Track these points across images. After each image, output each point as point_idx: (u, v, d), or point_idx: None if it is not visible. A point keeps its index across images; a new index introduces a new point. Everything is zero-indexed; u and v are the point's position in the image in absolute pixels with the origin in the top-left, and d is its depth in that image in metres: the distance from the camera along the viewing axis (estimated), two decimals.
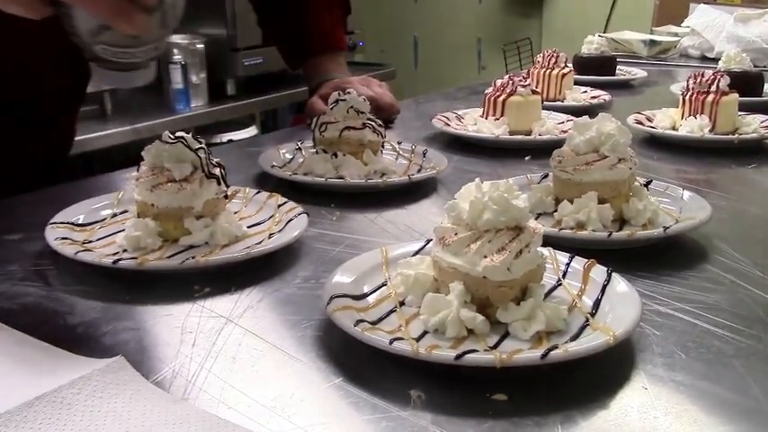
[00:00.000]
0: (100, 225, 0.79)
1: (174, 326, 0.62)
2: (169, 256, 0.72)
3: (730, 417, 0.50)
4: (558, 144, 0.87)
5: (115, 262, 0.68)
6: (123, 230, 0.75)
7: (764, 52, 2.09)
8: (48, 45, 0.90)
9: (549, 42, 3.75)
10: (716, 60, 1.65)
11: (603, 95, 1.56)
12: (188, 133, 0.77)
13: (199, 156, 0.75)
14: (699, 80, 1.26)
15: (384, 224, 0.87)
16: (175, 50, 2.51)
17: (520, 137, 1.21)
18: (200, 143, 0.77)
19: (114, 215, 0.81)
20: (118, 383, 0.51)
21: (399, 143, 1.12)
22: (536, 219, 0.83)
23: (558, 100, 1.54)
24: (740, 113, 1.27)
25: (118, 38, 0.58)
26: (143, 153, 0.76)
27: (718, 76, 1.25)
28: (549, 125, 1.24)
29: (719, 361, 0.57)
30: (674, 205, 0.86)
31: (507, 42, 4.11)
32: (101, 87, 2.05)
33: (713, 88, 1.24)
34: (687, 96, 1.27)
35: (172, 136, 0.76)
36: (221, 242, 0.75)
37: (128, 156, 0.78)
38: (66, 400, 0.48)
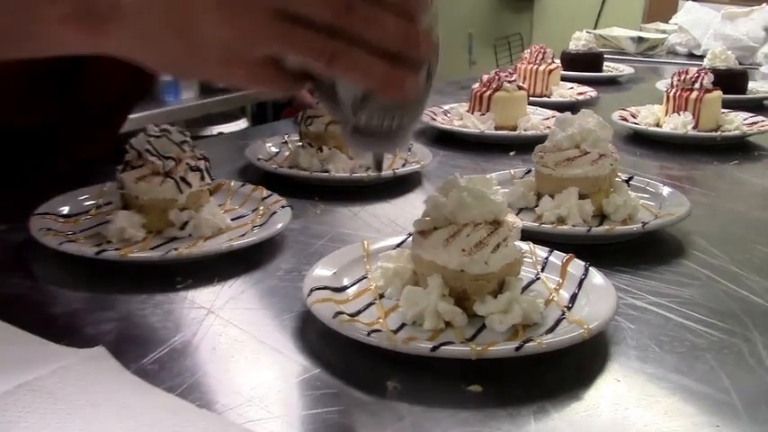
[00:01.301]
0: (84, 216, 0.80)
1: (156, 316, 0.62)
2: (152, 248, 0.72)
3: (701, 408, 0.51)
4: (542, 140, 0.88)
5: (98, 253, 0.69)
6: (107, 222, 0.75)
7: (750, 50, 2.11)
8: None
9: (540, 38, 3.76)
10: (703, 57, 1.66)
11: (590, 91, 1.57)
12: (177, 125, 0.78)
13: (183, 149, 0.76)
14: (683, 77, 1.28)
15: (368, 218, 0.88)
16: None
17: (505, 132, 1.21)
18: (185, 136, 0.77)
19: (98, 207, 0.82)
20: (98, 373, 0.51)
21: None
22: (518, 213, 0.84)
23: (545, 96, 1.55)
24: (724, 111, 1.29)
25: (383, 105, 0.51)
26: (127, 145, 0.76)
27: (702, 74, 1.26)
28: (534, 121, 1.25)
29: (692, 354, 0.58)
30: (654, 201, 0.87)
31: (498, 38, 4.12)
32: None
33: (697, 85, 1.25)
34: (671, 93, 1.28)
35: (156, 128, 0.77)
36: (205, 234, 0.75)
37: (116, 148, 0.78)
38: (47, 389, 0.49)
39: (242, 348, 0.58)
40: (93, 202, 0.82)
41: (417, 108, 0.53)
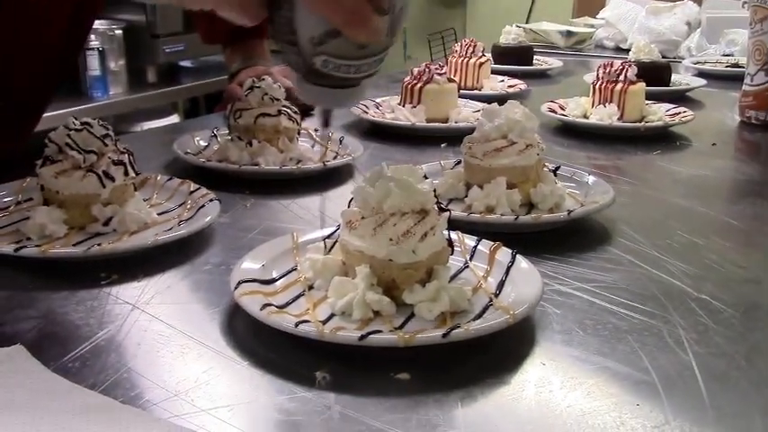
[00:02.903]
0: (3, 213, 0.77)
1: (79, 314, 0.61)
2: (75, 244, 0.70)
3: (622, 388, 0.53)
4: (473, 131, 0.88)
5: (17, 250, 0.67)
6: (27, 219, 0.73)
7: (674, 44, 2.17)
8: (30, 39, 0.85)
9: (473, 32, 3.80)
10: (629, 51, 1.70)
11: (520, 84, 1.59)
12: (104, 121, 0.76)
13: (105, 142, 0.74)
14: (608, 70, 1.31)
15: (298, 210, 0.87)
16: (93, 36, 2.44)
17: (436, 124, 1.22)
18: (107, 129, 0.75)
19: (18, 203, 0.79)
20: (16, 372, 0.50)
21: (316, 130, 1.12)
22: (447, 204, 0.84)
23: (476, 89, 1.57)
24: (647, 102, 1.32)
25: (343, 48, 0.49)
26: (46, 139, 0.74)
27: (627, 67, 1.29)
28: (465, 113, 1.26)
29: (614, 336, 0.59)
30: (579, 190, 0.89)
31: (432, 33, 4.15)
32: None
33: (621, 78, 1.28)
34: (597, 85, 1.31)
35: (77, 122, 0.74)
36: (130, 229, 0.74)
37: (39, 144, 0.75)
38: None
39: (168, 343, 0.57)
40: (11, 198, 0.80)
41: (376, 60, 0.51)
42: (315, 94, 0.53)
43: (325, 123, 0.58)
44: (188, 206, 0.80)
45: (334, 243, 0.66)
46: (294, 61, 0.51)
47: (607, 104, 1.28)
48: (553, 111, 1.32)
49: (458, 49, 1.63)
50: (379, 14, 0.48)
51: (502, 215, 0.80)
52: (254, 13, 0.51)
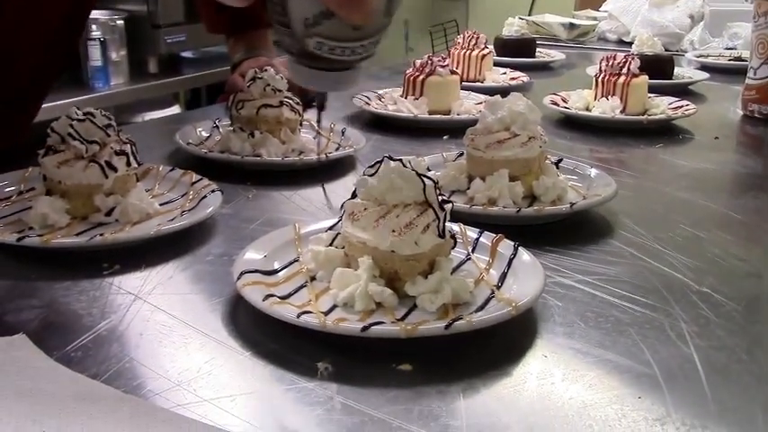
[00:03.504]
0: (5, 203, 0.77)
1: (81, 304, 0.61)
2: (77, 234, 0.70)
3: (623, 381, 0.53)
4: (475, 123, 0.88)
5: (20, 239, 0.67)
6: (30, 208, 0.73)
7: (677, 37, 2.16)
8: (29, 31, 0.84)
9: (475, 24, 3.78)
10: (632, 44, 1.70)
11: (522, 77, 1.59)
12: (107, 112, 0.76)
13: (107, 133, 0.74)
14: (611, 63, 1.30)
15: (300, 202, 0.87)
16: (94, 26, 2.44)
17: (438, 116, 1.22)
18: (110, 119, 0.75)
19: (20, 192, 0.79)
20: (18, 361, 0.50)
21: (318, 122, 1.11)
22: (450, 196, 0.84)
23: (478, 81, 1.57)
24: (650, 95, 1.32)
25: (337, 29, 0.48)
26: (49, 129, 0.74)
27: (629, 59, 1.29)
28: (467, 105, 1.26)
29: (616, 329, 0.59)
30: (582, 182, 0.89)
31: (434, 24, 4.13)
32: None
33: (624, 70, 1.28)
34: (600, 78, 1.30)
35: (79, 112, 0.74)
36: (132, 219, 0.74)
37: (41, 134, 0.75)
38: None
39: (170, 333, 0.57)
40: (14, 188, 0.80)
41: (371, 42, 0.50)
42: (307, 76, 0.52)
43: (321, 107, 0.56)
44: (190, 197, 0.80)
45: (337, 234, 0.66)
46: (287, 43, 0.50)
47: (610, 97, 1.28)
48: (555, 103, 1.32)
49: (460, 41, 1.63)
50: None
51: (504, 207, 0.80)
52: None
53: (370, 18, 0.47)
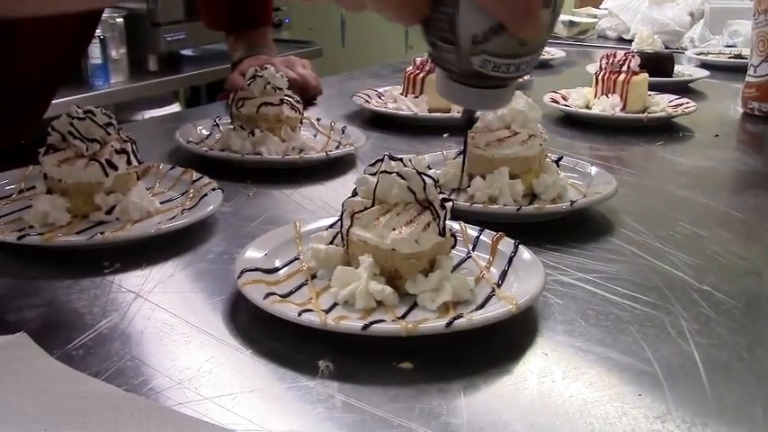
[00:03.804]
0: (6, 201, 0.77)
1: (82, 302, 0.61)
2: (78, 232, 0.71)
3: (623, 379, 0.53)
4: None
5: (20, 238, 0.67)
6: (30, 207, 0.73)
7: (677, 34, 2.16)
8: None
9: None
10: (632, 41, 1.70)
11: None
12: (107, 110, 0.76)
13: (108, 131, 0.74)
14: (611, 60, 1.30)
15: (301, 200, 0.87)
16: None
17: (438, 114, 1.22)
18: (110, 118, 0.75)
19: (21, 191, 0.79)
20: (20, 360, 0.50)
21: (318, 120, 1.12)
22: (450, 194, 0.84)
23: None
24: (650, 93, 1.32)
25: (505, 45, 0.45)
26: (50, 128, 0.74)
27: (629, 57, 1.29)
28: None
29: (616, 327, 0.59)
30: (582, 180, 0.89)
31: None
32: None
33: (624, 68, 1.28)
34: (600, 76, 1.30)
35: (80, 110, 0.74)
36: (133, 218, 0.74)
37: (41, 133, 0.75)
38: None
39: (171, 332, 0.57)
40: (14, 186, 0.80)
41: (533, 57, 0.47)
42: (464, 95, 0.49)
43: (469, 125, 0.53)
44: (191, 195, 0.80)
45: (337, 233, 0.66)
46: (449, 61, 0.47)
47: (610, 95, 1.28)
48: (556, 101, 1.32)
49: None
50: (545, 7, 0.45)
51: (504, 205, 0.80)
52: (419, 10, 0.45)
53: (540, 32, 0.45)
